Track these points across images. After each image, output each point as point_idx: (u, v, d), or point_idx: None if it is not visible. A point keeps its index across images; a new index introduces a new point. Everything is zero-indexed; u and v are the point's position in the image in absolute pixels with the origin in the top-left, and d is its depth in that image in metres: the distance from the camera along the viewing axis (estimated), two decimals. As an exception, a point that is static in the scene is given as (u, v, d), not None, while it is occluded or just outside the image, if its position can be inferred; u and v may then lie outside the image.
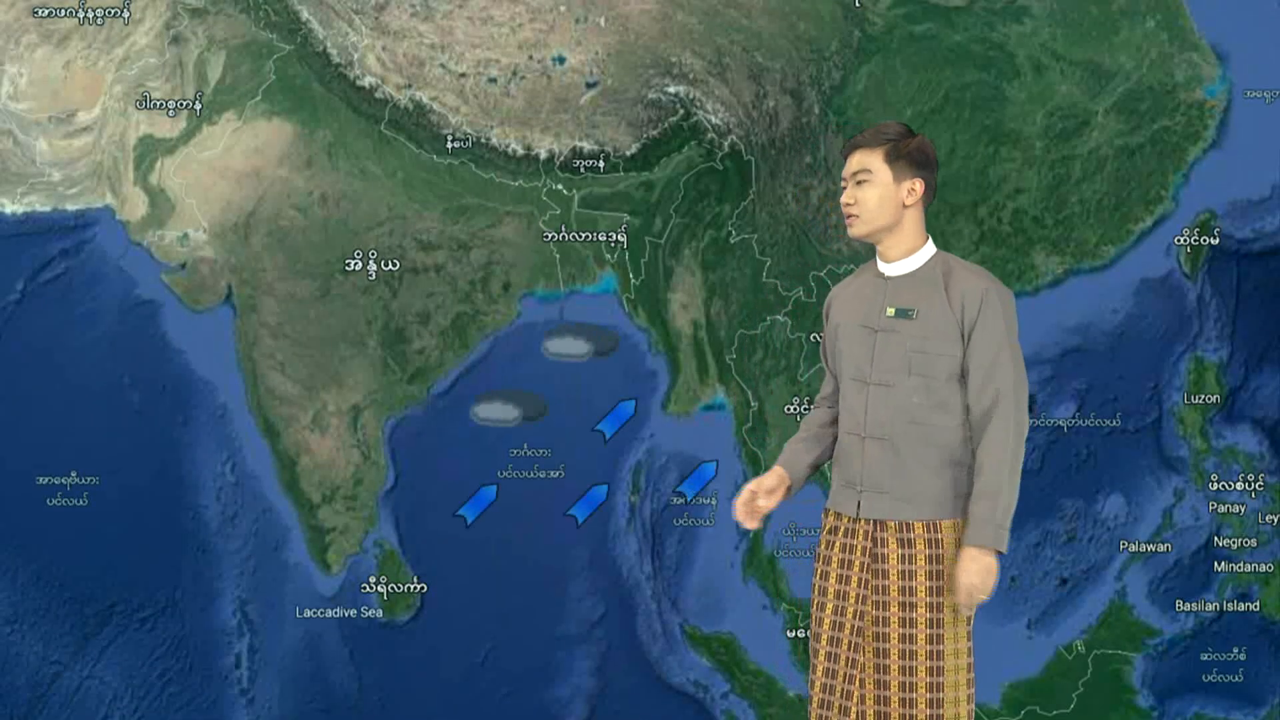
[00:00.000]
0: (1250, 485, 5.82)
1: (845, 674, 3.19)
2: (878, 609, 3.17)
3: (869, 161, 3.26)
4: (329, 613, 5.99)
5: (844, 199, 3.30)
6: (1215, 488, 5.84)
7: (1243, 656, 5.81)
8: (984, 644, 5.94)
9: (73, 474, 5.93)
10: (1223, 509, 5.84)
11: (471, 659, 6.00)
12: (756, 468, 5.86)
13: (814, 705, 3.24)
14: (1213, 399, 5.87)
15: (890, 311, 3.23)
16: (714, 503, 5.94)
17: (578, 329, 5.93)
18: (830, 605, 3.25)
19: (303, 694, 6.04)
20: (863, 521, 3.23)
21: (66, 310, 6.02)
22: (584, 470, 5.93)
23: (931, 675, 3.13)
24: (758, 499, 3.38)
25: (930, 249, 3.30)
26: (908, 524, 3.18)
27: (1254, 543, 5.82)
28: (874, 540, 3.21)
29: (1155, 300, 5.87)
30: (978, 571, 3.11)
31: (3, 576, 6.01)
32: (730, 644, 5.99)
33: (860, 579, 3.21)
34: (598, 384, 5.92)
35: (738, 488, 5.87)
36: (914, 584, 3.16)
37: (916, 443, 3.19)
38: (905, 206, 3.26)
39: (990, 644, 5.86)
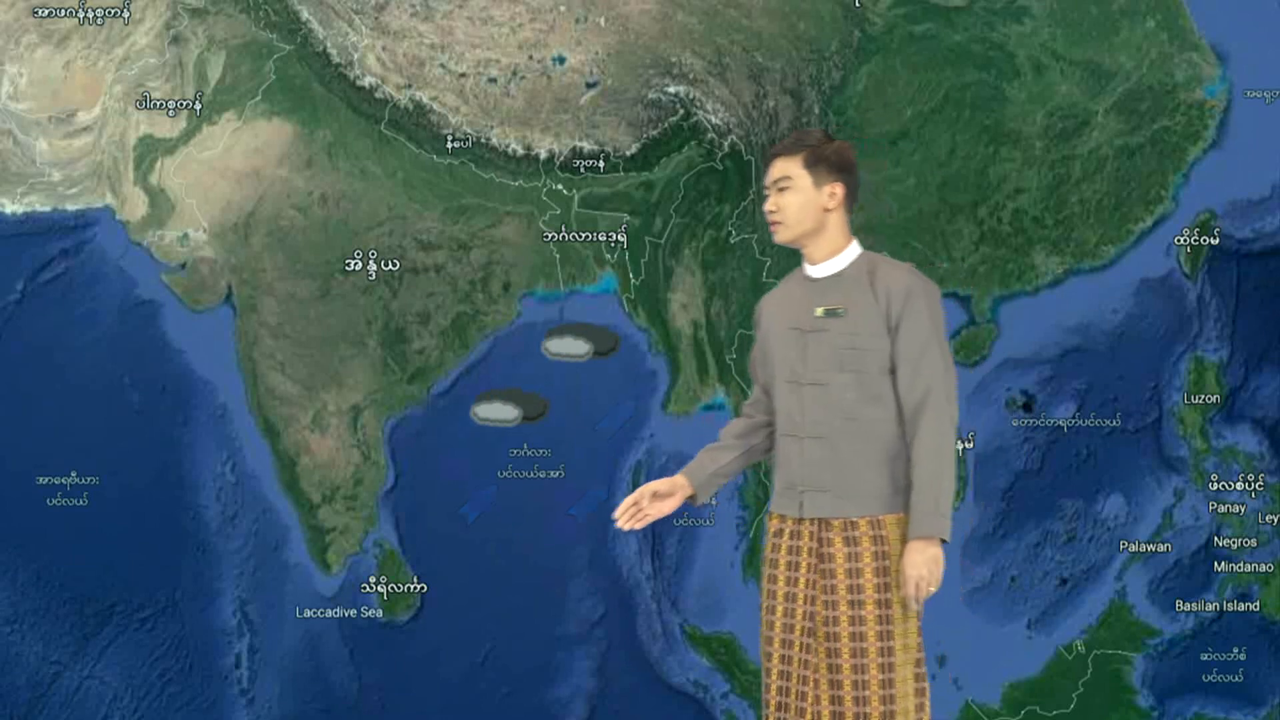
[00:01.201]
0: (1250, 485, 5.82)
1: (799, 675, 3.21)
2: (827, 608, 3.20)
3: (789, 168, 3.31)
4: (329, 613, 5.99)
5: (767, 206, 3.34)
6: (1215, 488, 5.84)
7: (1243, 656, 5.81)
8: (984, 644, 5.96)
9: (73, 474, 5.93)
10: (1223, 509, 5.84)
11: (471, 659, 6.00)
12: (756, 468, 5.87)
13: (771, 709, 3.25)
14: (1213, 399, 5.87)
15: (819, 312, 3.28)
16: (714, 503, 5.94)
17: (578, 329, 5.93)
18: (780, 608, 3.27)
19: (303, 694, 6.04)
20: (807, 522, 3.26)
21: (66, 310, 6.03)
22: (584, 470, 5.93)
23: (883, 671, 3.16)
24: (642, 503, 3.39)
25: (855, 249, 3.34)
26: (852, 521, 3.22)
27: (1254, 543, 5.82)
28: (819, 540, 3.24)
29: (1155, 300, 5.87)
30: (925, 563, 3.14)
31: (3, 576, 6.01)
32: (730, 644, 5.99)
33: (808, 579, 3.24)
34: (598, 384, 5.92)
35: (738, 488, 5.90)
36: (861, 581, 3.19)
37: (854, 439, 3.23)
38: (827, 210, 3.30)
39: (990, 644, 5.86)
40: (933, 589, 3.15)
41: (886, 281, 3.24)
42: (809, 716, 3.18)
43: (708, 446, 3.53)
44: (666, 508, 3.43)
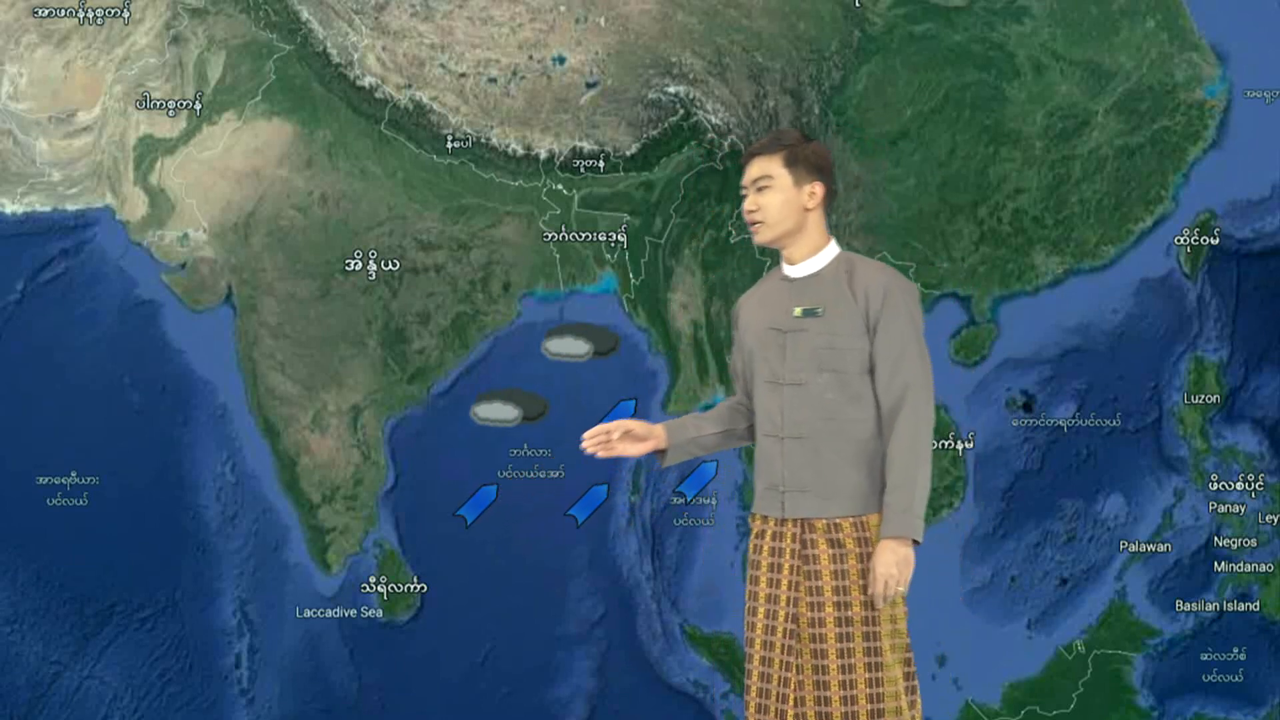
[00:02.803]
0: (1250, 485, 5.82)
1: (780, 677, 3.20)
2: (812, 610, 3.19)
3: (769, 168, 3.30)
4: (329, 613, 5.99)
5: (746, 206, 3.32)
6: (1215, 488, 5.84)
7: (1243, 656, 5.81)
8: (984, 644, 5.97)
9: (73, 474, 5.93)
10: (1223, 509, 5.84)
11: (471, 659, 6.00)
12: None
13: (751, 711, 3.25)
14: (1213, 399, 5.87)
15: (797, 312, 3.27)
16: (714, 503, 5.95)
17: (578, 329, 5.93)
18: (762, 609, 3.26)
19: (303, 694, 6.04)
20: (790, 523, 3.25)
21: (66, 310, 6.03)
22: (584, 470, 5.93)
23: (870, 671, 3.16)
24: (614, 436, 3.36)
25: (834, 249, 3.33)
26: (835, 523, 3.21)
27: (1254, 543, 5.82)
28: (802, 542, 3.23)
29: (1155, 300, 5.87)
30: (896, 562, 3.13)
31: (3, 576, 6.01)
32: (730, 644, 5.99)
33: (790, 581, 3.22)
34: (598, 384, 5.92)
35: (738, 488, 5.90)
36: (847, 583, 3.18)
37: (834, 439, 3.22)
38: (807, 210, 3.29)
39: (990, 644, 5.86)
40: (901, 589, 3.14)
41: (865, 281, 3.23)
42: (791, 718, 3.18)
43: (694, 413, 3.52)
44: (634, 450, 3.39)
